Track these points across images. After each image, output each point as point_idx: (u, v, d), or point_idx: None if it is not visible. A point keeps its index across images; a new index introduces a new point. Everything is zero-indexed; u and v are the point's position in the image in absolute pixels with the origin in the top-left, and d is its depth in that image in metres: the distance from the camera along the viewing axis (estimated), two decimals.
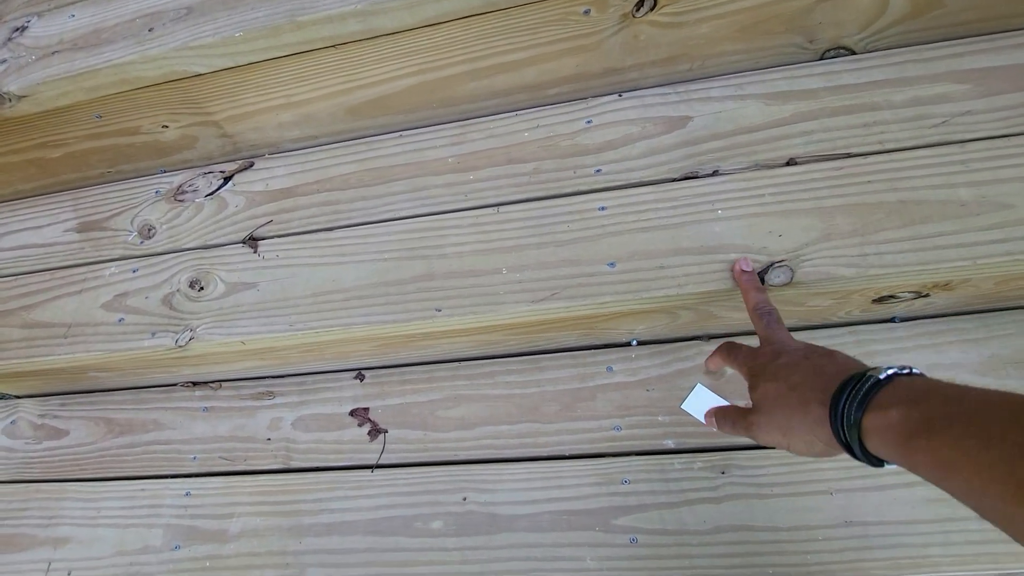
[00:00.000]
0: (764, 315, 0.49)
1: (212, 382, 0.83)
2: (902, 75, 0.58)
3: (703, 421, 0.66)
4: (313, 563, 0.68)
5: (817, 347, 0.42)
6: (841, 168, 0.55)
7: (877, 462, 0.35)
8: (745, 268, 0.52)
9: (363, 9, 0.53)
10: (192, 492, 0.76)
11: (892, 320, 0.66)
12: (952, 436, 0.29)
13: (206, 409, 0.81)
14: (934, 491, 0.58)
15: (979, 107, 0.55)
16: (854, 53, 0.61)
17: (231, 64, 0.60)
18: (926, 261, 0.50)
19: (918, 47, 0.59)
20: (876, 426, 0.33)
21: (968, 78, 0.56)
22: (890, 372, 0.34)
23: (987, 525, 0.58)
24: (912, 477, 0.59)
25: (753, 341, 0.68)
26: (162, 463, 0.79)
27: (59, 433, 0.85)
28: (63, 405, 0.87)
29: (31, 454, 0.85)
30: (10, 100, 0.63)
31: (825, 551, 0.58)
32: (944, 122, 0.55)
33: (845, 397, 0.34)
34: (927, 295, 0.61)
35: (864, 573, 0.57)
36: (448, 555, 0.65)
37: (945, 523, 0.58)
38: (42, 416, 0.87)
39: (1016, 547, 0.56)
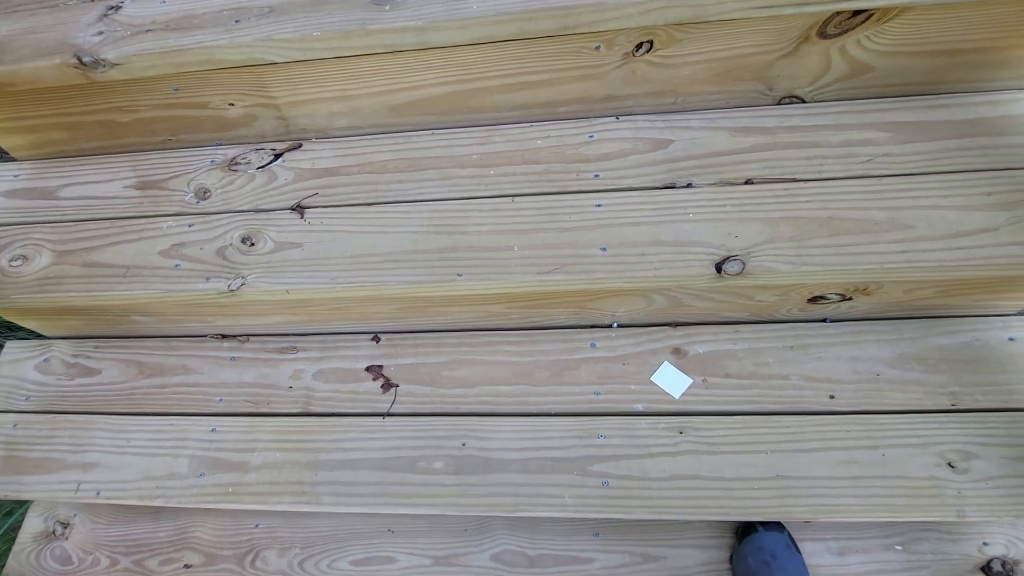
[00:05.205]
0: None
1: (240, 335, 0.93)
2: (839, 122, 0.74)
3: (668, 391, 0.79)
4: (327, 492, 0.78)
5: None
6: (787, 189, 0.70)
7: None
8: None
9: (423, 25, 0.66)
10: (217, 428, 0.85)
11: (824, 320, 0.81)
12: None
13: (233, 358, 0.91)
14: (848, 455, 0.73)
15: (896, 151, 0.71)
16: (804, 101, 0.76)
17: (302, 57, 0.72)
18: (845, 263, 0.65)
19: (853, 101, 0.75)
20: None
21: (890, 128, 0.72)
22: None
23: (893, 482, 0.72)
24: (834, 443, 0.74)
25: (710, 328, 0.81)
26: (189, 403, 0.88)
27: (91, 372, 0.93)
28: (96, 348, 0.96)
29: (63, 389, 0.93)
30: (104, 66, 0.73)
31: (760, 497, 0.71)
32: (868, 160, 0.71)
33: None
34: (850, 298, 0.76)
35: (789, 514, 0.70)
36: (446, 489, 0.76)
37: (856, 480, 0.71)
38: (75, 356, 0.95)
39: (911, 499, 0.70)
